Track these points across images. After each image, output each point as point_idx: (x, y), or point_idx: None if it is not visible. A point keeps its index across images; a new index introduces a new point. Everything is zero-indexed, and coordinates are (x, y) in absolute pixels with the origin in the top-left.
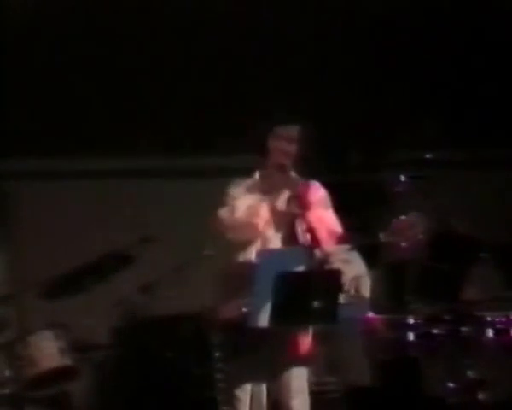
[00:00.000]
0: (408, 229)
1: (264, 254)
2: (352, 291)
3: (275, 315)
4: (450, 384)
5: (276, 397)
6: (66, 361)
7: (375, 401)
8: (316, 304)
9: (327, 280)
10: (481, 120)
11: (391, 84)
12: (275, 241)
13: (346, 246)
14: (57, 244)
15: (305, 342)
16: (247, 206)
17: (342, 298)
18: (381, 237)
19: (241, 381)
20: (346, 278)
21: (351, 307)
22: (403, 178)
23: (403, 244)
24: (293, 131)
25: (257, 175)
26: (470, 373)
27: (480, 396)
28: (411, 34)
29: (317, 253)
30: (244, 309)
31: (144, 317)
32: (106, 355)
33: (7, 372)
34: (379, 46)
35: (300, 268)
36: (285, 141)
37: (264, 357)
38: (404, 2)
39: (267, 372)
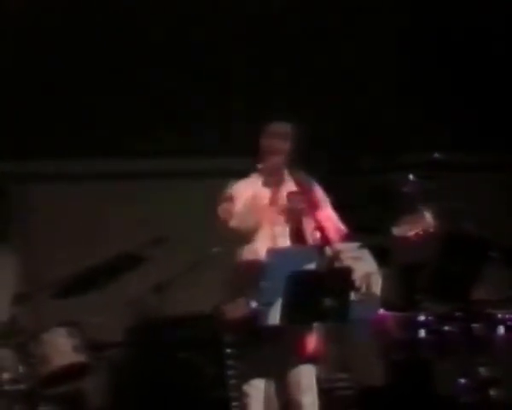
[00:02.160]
0: (418, 223)
1: (275, 252)
2: (363, 289)
3: (286, 313)
4: (462, 381)
5: (285, 394)
6: (80, 358)
7: (387, 398)
8: (327, 302)
9: (338, 278)
10: (492, 123)
11: (402, 86)
12: (280, 237)
13: (357, 244)
14: (71, 244)
15: (314, 340)
16: (251, 193)
17: (353, 296)
18: (393, 230)
19: (251, 378)
20: (357, 275)
21: (362, 305)
22: (412, 178)
23: (413, 238)
24: (285, 127)
25: (254, 175)
26: (482, 370)
27: (492, 393)
28: (424, 35)
29: (328, 251)
30: (252, 307)
31: (157, 316)
32: (119, 353)
33: (21, 369)
34: (392, 48)
35: (311, 266)
36: (277, 138)
37: (274, 355)
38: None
39: (277, 370)
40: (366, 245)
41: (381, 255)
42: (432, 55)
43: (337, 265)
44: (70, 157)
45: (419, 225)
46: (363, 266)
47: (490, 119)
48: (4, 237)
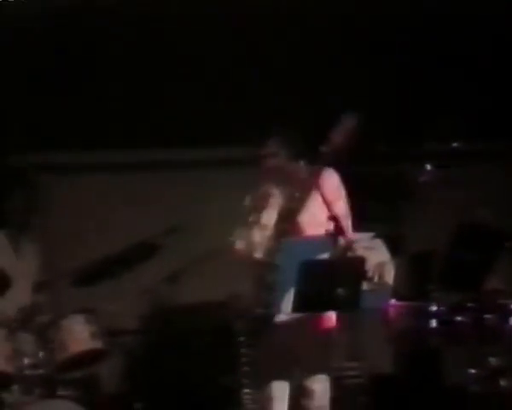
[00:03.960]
0: (342, 134)
1: (289, 242)
2: (376, 278)
3: (298, 302)
4: (473, 371)
5: (298, 382)
6: (97, 345)
7: (397, 387)
8: (339, 291)
9: (351, 268)
10: (508, 113)
11: (419, 76)
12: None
13: (370, 234)
14: (89, 233)
15: (326, 328)
16: (244, 236)
17: (366, 285)
18: (321, 149)
19: (266, 371)
20: (370, 265)
21: (374, 295)
22: (429, 167)
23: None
24: (265, 148)
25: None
26: (492, 360)
27: (502, 383)
28: (438, 27)
29: (341, 241)
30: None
31: (170, 304)
32: (133, 340)
33: (40, 355)
34: (407, 40)
35: (324, 256)
36: (263, 159)
37: (286, 345)
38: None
39: (290, 359)
40: (379, 235)
41: (396, 244)
42: (448, 46)
43: (350, 254)
44: (88, 149)
45: (346, 136)
46: (376, 255)
47: (508, 108)
48: (26, 227)
